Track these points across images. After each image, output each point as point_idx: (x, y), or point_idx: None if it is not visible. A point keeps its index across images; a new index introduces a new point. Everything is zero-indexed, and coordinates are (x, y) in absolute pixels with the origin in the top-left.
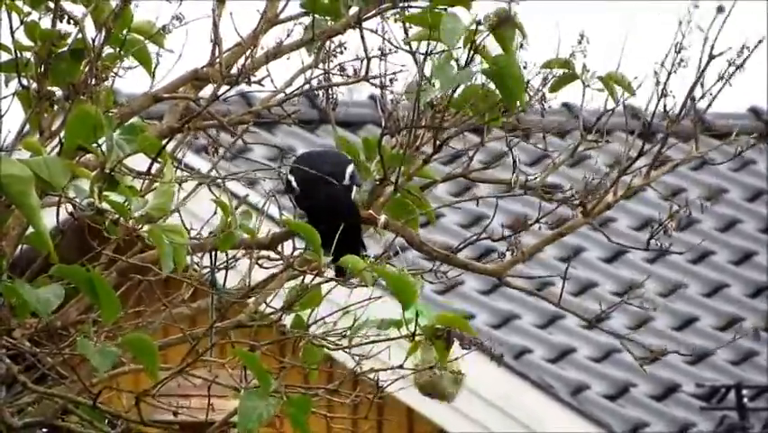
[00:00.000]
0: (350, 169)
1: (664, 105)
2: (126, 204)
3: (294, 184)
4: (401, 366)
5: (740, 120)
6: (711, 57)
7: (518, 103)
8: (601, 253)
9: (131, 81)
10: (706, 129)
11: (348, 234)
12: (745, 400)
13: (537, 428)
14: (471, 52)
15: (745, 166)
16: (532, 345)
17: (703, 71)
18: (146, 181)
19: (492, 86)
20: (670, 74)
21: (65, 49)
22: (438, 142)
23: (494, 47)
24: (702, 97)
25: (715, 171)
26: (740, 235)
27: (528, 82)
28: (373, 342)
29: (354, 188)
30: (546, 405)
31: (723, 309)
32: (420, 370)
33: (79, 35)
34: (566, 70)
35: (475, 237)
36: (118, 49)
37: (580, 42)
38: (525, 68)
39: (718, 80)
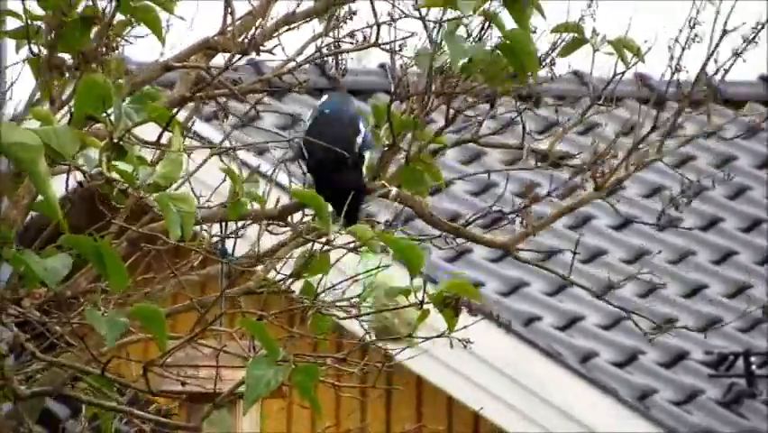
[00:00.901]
0: (360, 136)
1: (677, 80)
2: (134, 173)
3: (304, 152)
4: (410, 335)
5: (751, 89)
6: (725, 31)
7: (529, 74)
8: (611, 220)
9: (142, 49)
10: (716, 97)
11: (351, 201)
12: (754, 367)
13: (546, 396)
14: (486, 25)
15: (755, 134)
16: (541, 313)
17: (716, 46)
18: (156, 151)
19: (499, 52)
20: (684, 49)
21: (76, 16)
22: (451, 112)
23: (509, 21)
24: (716, 73)
25: (724, 139)
26: (749, 203)
27: (541, 57)
28: (381, 311)
29: (367, 153)
30: (555, 372)
31: (732, 277)
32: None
33: (89, 2)
34: (575, 35)
35: (486, 210)
36: (129, 16)
37: (589, 6)
38: (534, 32)
39: (732, 55)
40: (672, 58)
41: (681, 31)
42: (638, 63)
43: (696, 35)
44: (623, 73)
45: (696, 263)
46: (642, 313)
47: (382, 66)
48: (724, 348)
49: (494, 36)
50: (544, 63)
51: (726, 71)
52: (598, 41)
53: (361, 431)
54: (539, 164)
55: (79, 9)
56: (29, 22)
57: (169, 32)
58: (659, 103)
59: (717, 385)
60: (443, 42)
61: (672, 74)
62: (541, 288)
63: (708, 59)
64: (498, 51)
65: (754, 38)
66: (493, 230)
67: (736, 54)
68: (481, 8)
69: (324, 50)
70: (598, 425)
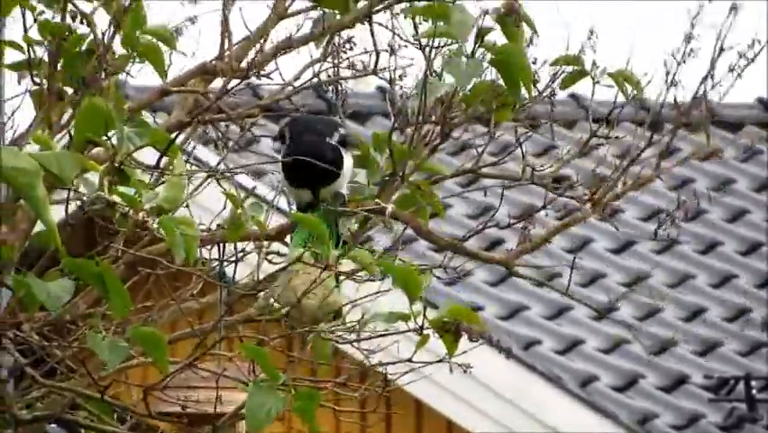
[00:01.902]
0: (340, 130)
1: (674, 97)
2: (137, 196)
3: (285, 134)
4: (410, 360)
5: (748, 111)
6: (722, 49)
7: (525, 93)
8: (609, 243)
9: (141, 74)
10: (714, 119)
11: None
12: (754, 391)
13: (546, 420)
14: (478, 42)
15: (753, 156)
16: (540, 337)
17: (714, 63)
18: (155, 175)
19: (502, 81)
20: (679, 64)
21: (79, 49)
22: (444, 132)
23: (502, 40)
24: (713, 88)
25: (722, 162)
26: (748, 226)
27: (536, 73)
28: (381, 335)
29: (347, 156)
30: (555, 396)
31: (731, 300)
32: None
33: (91, 33)
34: (576, 67)
35: (482, 226)
36: (131, 50)
37: (589, 38)
38: (534, 63)
39: (729, 71)
40: (667, 73)
41: (679, 49)
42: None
43: (692, 50)
44: (623, 105)
45: (695, 287)
46: (642, 335)
47: (380, 89)
48: (724, 372)
49: (488, 55)
50: (542, 93)
51: (726, 92)
52: (599, 74)
53: None
54: (536, 184)
55: (80, 38)
56: (30, 52)
57: (171, 65)
58: (655, 124)
59: (718, 410)
60: (444, 71)
61: (668, 88)
62: (540, 312)
63: (705, 77)
64: (497, 75)
65: (754, 57)
66: (492, 250)
67: (732, 70)
68: (477, 31)
69: (323, 77)
70: None
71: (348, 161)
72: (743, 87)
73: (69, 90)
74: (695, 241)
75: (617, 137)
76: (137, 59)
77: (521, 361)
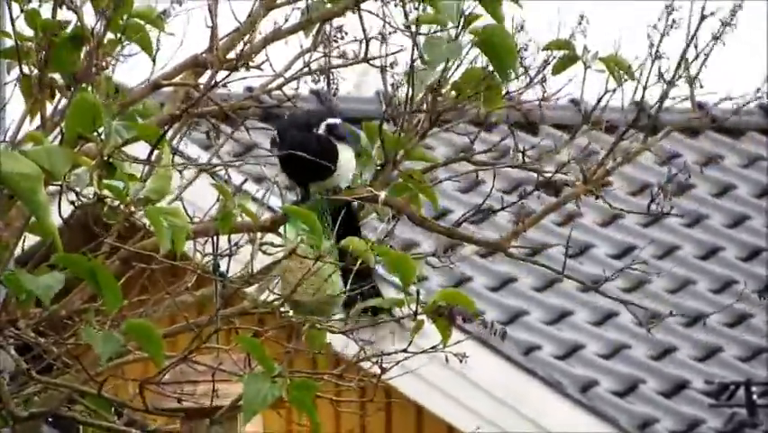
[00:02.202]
0: (327, 120)
1: (659, 68)
2: (125, 189)
3: (275, 135)
4: (404, 351)
5: (750, 117)
6: (703, 17)
7: (511, 73)
8: (610, 249)
9: (132, 69)
10: (713, 122)
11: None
12: (755, 396)
13: (546, 425)
14: (463, 25)
15: (755, 163)
16: (540, 342)
17: (696, 31)
18: (146, 168)
19: (491, 68)
20: (663, 35)
21: (65, 37)
22: (433, 118)
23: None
24: (696, 58)
25: (723, 168)
26: (749, 232)
27: (521, 51)
28: (375, 324)
29: (343, 149)
30: (555, 402)
31: (734, 304)
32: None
33: (79, 23)
34: (567, 52)
35: (477, 207)
36: (119, 35)
37: (579, 24)
38: (525, 49)
39: (711, 40)
40: (651, 45)
41: (659, 18)
42: (630, 81)
43: (674, 21)
44: (614, 90)
45: (695, 292)
46: (635, 305)
47: (378, 93)
48: (725, 378)
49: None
50: (534, 80)
51: (707, 56)
52: (590, 59)
53: None
54: (527, 167)
55: (69, 29)
56: (19, 42)
57: (159, 50)
58: (640, 107)
59: (718, 415)
60: (423, 52)
61: (653, 61)
62: (540, 317)
63: (688, 44)
64: (487, 62)
65: (730, 21)
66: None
67: (715, 38)
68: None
69: (314, 66)
70: None
71: (346, 152)
72: (742, 92)
73: (60, 80)
74: (695, 246)
75: (607, 122)
76: (124, 42)
77: (521, 366)
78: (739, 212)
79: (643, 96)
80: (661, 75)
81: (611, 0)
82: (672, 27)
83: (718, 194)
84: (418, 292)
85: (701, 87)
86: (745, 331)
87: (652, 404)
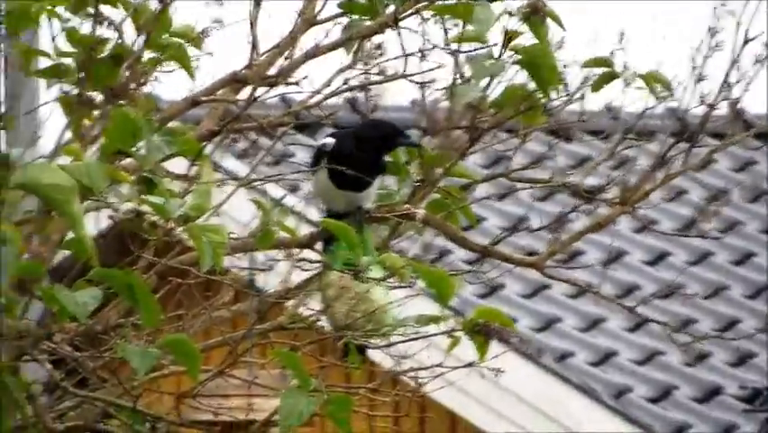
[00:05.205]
0: (326, 141)
1: (701, 92)
2: (165, 205)
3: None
4: (440, 365)
5: None
6: (746, 41)
7: (553, 93)
8: (644, 255)
9: (172, 87)
10: (747, 128)
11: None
12: None
13: (580, 431)
14: (505, 43)
15: None
16: (574, 349)
17: (739, 54)
18: (185, 184)
19: (532, 85)
20: (706, 58)
21: (105, 54)
22: (473, 136)
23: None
24: (738, 81)
25: (756, 174)
26: None
27: (563, 72)
28: (411, 340)
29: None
30: (589, 408)
31: (765, 311)
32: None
33: (119, 40)
34: (606, 69)
35: (513, 229)
36: (159, 53)
37: (620, 41)
38: (565, 67)
39: (755, 63)
40: (694, 67)
41: (702, 41)
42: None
43: (717, 44)
44: (654, 107)
45: (729, 297)
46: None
47: (413, 102)
48: (757, 383)
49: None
50: (573, 97)
51: (750, 80)
52: (630, 76)
53: None
54: (568, 193)
55: (109, 46)
56: (58, 60)
57: (198, 68)
58: (683, 130)
59: (752, 420)
60: (467, 69)
61: (696, 83)
62: (574, 324)
63: (731, 66)
64: (527, 79)
65: None
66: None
67: (757, 61)
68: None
69: (353, 83)
70: None
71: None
72: (753, 97)
73: (99, 97)
74: (730, 251)
75: (647, 140)
76: (164, 62)
77: (555, 373)
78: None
79: (684, 117)
80: (702, 98)
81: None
82: (714, 50)
83: (752, 200)
84: (456, 310)
85: (743, 113)
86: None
87: (685, 410)
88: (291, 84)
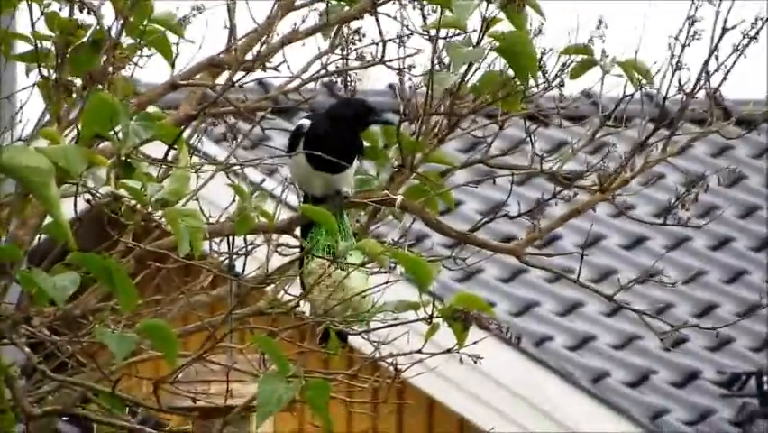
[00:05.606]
0: (302, 122)
1: (679, 80)
2: (142, 189)
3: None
4: (419, 351)
5: (762, 108)
6: (724, 30)
7: (532, 80)
8: (621, 240)
9: (150, 71)
10: (725, 115)
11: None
12: (766, 386)
13: (558, 416)
14: (483, 30)
15: (766, 152)
16: (552, 333)
17: (717, 43)
18: (162, 168)
19: (511, 72)
20: (684, 46)
21: (84, 39)
22: (451, 122)
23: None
24: (717, 70)
25: (734, 158)
26: (760, 222)
27: (541, 59)
28: (390, 326)
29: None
30: (567, 392)
31: (743, 296)
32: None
33: (98, 25)
34: (585, 56)
35: (492, 216)
36: (138, 39)
37: (598, 28)
38: (543, 54)
39: (733, 52)
40: (672, 56)
41: (680, 29)
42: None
43: (696, 32)
44: (632, 95)
45: (707, 283)
46: (656, 322)
47: (391, 86)
48: (736, 368)
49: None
50: (551, 83)
51: (729, 69)
52: (608, 63)
53: None
54: (547, 179)
55: (88, 32)
56: (38, 44)
57: (179, 55)
58: (662, 116)
59: (730, 405)
60: (445, 55)
61: (673, 73)
62: (552, 308)
63: (709, 55)
64: (505, 65)
65: (755, 35)
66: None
67: (736, 50)
68: (477, 10)
69: (331, 68)
70: None
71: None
72: (748, 83)
73: (78, 81)
74: (708, 237)
75: (626, 126)
76: (144, 49)
77: (533, 357)
78: (751, 203)
79: (663, 105)
80: (680, 86)
81: (630, 1)
82: (693, 38)
83: (729, 185)
84: (434, 297)
85: (721, 100)
86: (756, 321)
87: (663, 395)
88: (269, 69)
